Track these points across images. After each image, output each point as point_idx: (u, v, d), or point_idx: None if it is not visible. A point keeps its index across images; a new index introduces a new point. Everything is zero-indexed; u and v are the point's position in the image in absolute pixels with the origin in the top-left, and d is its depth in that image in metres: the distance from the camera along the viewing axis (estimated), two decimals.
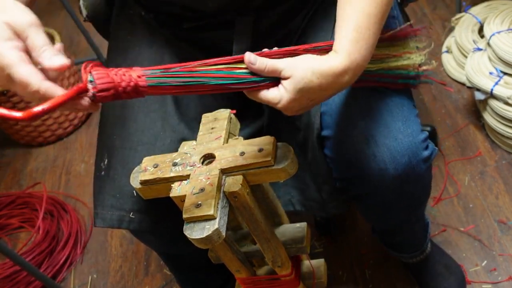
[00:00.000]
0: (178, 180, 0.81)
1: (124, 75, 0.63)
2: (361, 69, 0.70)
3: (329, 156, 0.88)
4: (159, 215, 0.93)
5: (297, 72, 0.67)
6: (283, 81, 0.68)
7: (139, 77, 0.64)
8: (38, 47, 0.57)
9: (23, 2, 0.67)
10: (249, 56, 0.68)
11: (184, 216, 0.75)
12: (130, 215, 0.91)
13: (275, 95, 0.69)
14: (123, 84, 0.62)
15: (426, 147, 0.84)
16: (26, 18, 0.56)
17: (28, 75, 0.56)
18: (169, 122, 0.92)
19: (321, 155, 0.90)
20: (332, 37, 0.88)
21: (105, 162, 0.92)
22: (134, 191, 0.90)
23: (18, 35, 0.57)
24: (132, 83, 0.63)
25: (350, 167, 0.84)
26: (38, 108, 0.55)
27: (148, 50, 0.96)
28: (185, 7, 0.89)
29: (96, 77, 0.60)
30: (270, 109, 0.95)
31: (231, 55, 0.87)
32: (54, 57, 0.57)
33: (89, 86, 0.61)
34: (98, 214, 0.92)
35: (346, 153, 0.84)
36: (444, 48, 1.85)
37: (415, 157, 0.81)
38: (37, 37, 0.57)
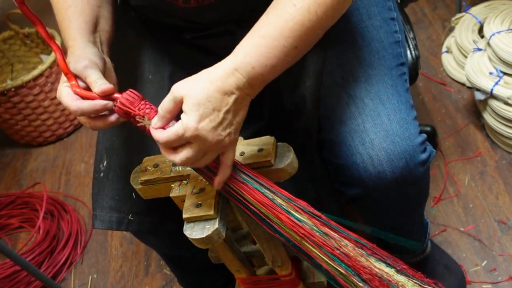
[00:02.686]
0: (178, 180, 0.81)
1: (143, 116, 0.72)
2: (257, 77, 0.68)
3: (328, 158, 0.88)
4: (158, 217, 0.93)
5: (190, 88, 0.66)
6: (183, 106, 0.67)
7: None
8: (93, 82, 0.72)
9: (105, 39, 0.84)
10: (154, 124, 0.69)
11: (184, 216, 0.75)
12: (129, 217, 0.91)
13: (176, 126, 0.66)
14: (137, 118, 0.72)
15: (424, 150, 0.84)
16: (82, 63, 0.73)
17: (67, 101, 0.73)
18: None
19: (319, 157, 0.90)
20: (332, 49, 0.88)
21: (104, 164, 0.92)
22: (133, 193, 0.90)
23: (79, 76, 0.74)
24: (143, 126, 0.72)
25: (348, 170, 0.84)
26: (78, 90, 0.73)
27: (149, 52, 0.96)
28: (185, 20, 0.89)
29: (125, 97, 0.72)
30: (269, 112, 0.95)
31: None
32: (101, 85, 0.72)
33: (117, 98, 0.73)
34: (97, 216, 0.92)
35: (344, 156, 0.84)
36: (444, 48, 1.85)
37: (412, 160, 0.82)
38: (91, 75, 0.73)
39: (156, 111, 0.70)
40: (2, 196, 1.82)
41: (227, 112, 0.67)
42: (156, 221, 0.93)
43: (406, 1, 1.20)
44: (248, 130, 0.96)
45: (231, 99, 0.67)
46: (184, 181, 0.80)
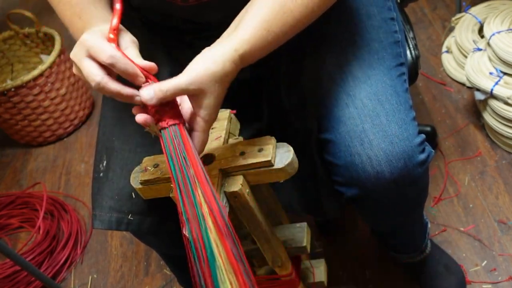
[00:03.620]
0: None
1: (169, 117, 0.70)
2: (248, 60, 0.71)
3: (327, 159, 0.88)
4: (158, 217, 0.93)
5: (205, 82, 0.67)
6: (198, 116, 0.69)
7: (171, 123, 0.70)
8: (136, 56, 0.72)
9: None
10: (145, 96, 0.66)
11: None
12: (129, 217, 0.91)
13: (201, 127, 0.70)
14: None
15: (423, 150, 0.84)
16: (130, 37, 0.76)
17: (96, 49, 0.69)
18: None
19: (319, 157, 0.90)
20: (332, 50, 0.89)
21: (104, 164, 0.92)
22: (132, 193, 0.90)
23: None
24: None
25: (347, 170, 0.84)
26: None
27: (149, 52, 0.96)
28: (185, 20, 0.89)
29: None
30: (269, 112, 0.95)
31: None
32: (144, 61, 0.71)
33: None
34: (96, 216, 0.92)
35: (343, 156, 0.84)
36: (444, 48, 1.85)
37: (411, 161, 0.82)
38: (135, 50, 0.73)
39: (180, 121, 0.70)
40: (2, 196, 1.82)
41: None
42: (156, 221, 0.93)
43: (406, 1, 1.20)
44: (248, 130, 0.96)
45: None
46: None
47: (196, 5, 0.82)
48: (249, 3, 0.74)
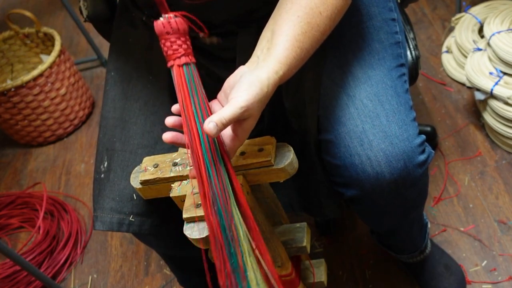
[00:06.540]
0: (178, 180, 0.81)
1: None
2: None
3: (326, 159, 0.88)
4: (159, 218, 0.93)
5: (255, 108, 0.68)
6: (236, 136, 0.70)
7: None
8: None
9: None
10: (208, 129, 0.66)
11: (184, 216, 0.75)
12: (130, 218, 0.91)
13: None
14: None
15: (423, 151, 0.84)
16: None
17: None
18: None
19: (319, 158, 0.90)
20: (332, 50, 0.89)
21: (105, 165, 0.92)
22: (133, 194, 0.90)
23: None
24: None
25: (346, 171, 0.84)
26: None
27: (149, 52, 0.96)
28: (188, 19, 0.89)
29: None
30: (269, 113, 0.95)
31: (233, 62, 0.87)
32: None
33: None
34: (97, 217, 0.92)
35: (343, 157, 0.84)
36: (444, 48, 1.85)
37: (411, 161, 0.82)
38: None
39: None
40: (2, 196, 1.82)
41: None
42: (157, 222, 0.93)
43: (406, 2, 1.20)
44: None
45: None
46: (184, 181, 0.80)
47: (202, 3, 0.82)
48: (273, 19, 0.74)
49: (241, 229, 0.68)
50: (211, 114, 0.72)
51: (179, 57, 0.75)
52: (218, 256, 0.67)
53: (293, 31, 0.71)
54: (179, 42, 0.75)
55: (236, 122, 0.70)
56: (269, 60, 0.70)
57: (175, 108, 0.75)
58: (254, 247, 0.68)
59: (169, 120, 0.73)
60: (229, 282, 0.66)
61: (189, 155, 0.72)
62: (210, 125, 0.65)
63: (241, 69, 0.72)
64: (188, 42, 0.76)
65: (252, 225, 0.69)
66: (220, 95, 0.75)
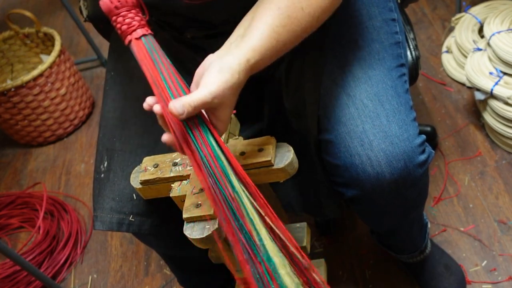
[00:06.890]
0: (178, 180, 0.81)
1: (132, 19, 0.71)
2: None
3: (327, 159, 0.88)
4: (159, 218, 0.93)
5: (225, 94, 0.66)
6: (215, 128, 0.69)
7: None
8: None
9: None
10: (174, 108, 0.64)
11: (184, 216, 0.75)
12: (130, 218, 0.91)
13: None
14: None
15: (423, 151, 0.84)
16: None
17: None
18: None
19: (319, 158, 0.90)
20: (332, 50, 0.88)
21: (105, 165, 0.92)
22: (133, 194, 0.90)
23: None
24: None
25: (346, 171, 0.84)
26: None
27: None
28: (189, 19, 0.89)
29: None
30: (269, 113, 0.95)
31: None
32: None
33: None
34: (97, 217, 0.92)
35: (343, 157, 0.84)
36: (444, 48, 1.85)
37: (411, 161, 0.82)
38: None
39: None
40: (2, 196, 1.82)
41: None
42: (157, 222, 0.93)
43: (406, 2, 1.20)
44: (249, 130, 0.96)
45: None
46: (184, 181, 0.80)
47: (202, 3, 0.82)
48: (254, 9, 0.74)
49: (243, 192, 0.67)
50: (184, 85, 0.70)
51: (135, 30, 0.71)
52: (228, 229, 0.65)
53: (272, 22, 0.70)
54: (130, 15, 0.71)
55: (211, 113, 0.69)
56: (242, 46, 0.69)
57: (150, 100, 0.71)
58: (260, 210, 0.66)
59: (149, 101, 0.70)
60: (248, 253, 0.65)
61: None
62: (177, 104, 0.64)
63: (209, 58, 0.70)
64: (140, 14, 0.72)
65: (252, 191, 0.67)
66: (193, 87, 0.72)
